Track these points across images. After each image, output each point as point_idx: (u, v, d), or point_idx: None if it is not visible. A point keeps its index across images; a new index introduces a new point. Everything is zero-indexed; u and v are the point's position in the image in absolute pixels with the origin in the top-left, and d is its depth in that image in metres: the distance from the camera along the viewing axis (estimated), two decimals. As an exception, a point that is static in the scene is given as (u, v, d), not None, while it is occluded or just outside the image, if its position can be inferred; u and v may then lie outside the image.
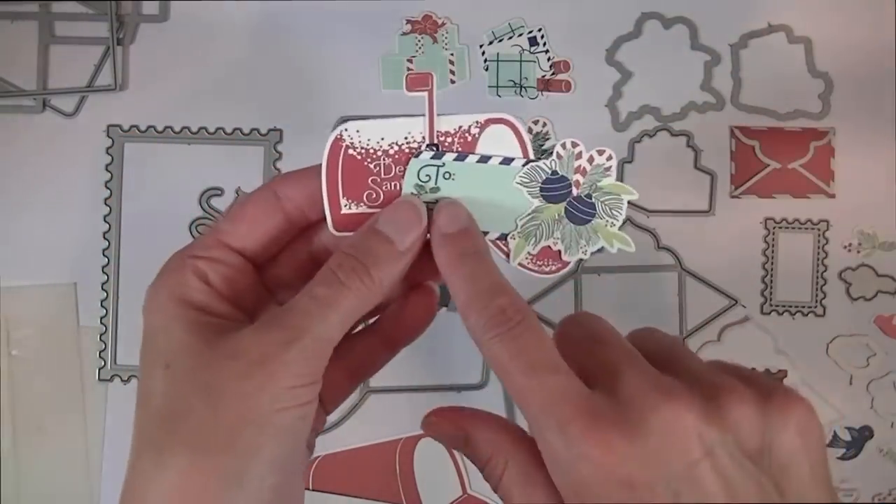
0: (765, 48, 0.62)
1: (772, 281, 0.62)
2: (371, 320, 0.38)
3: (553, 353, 0.29)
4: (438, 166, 0.33)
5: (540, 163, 0.34)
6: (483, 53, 0.62)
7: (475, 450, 0.32)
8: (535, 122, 0.61)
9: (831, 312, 0.62)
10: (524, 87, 0.62)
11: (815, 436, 0.28)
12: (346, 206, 0.34)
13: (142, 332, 0.32)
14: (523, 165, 0.34)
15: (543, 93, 0.62)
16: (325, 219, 0.34)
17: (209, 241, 0.33)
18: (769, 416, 0.28)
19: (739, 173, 0.62)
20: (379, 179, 0.34)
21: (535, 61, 0.62)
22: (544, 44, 0.62)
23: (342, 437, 0.61)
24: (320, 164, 0.34)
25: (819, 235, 0.62)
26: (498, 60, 0.62)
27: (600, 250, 0.34)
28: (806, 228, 0.62)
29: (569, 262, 0.34)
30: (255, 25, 0.61)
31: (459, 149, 0.34)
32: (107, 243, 0.60)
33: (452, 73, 0.61)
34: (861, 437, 0.62)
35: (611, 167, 0.34)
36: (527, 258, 0.34)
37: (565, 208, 0.34)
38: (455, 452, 0.61)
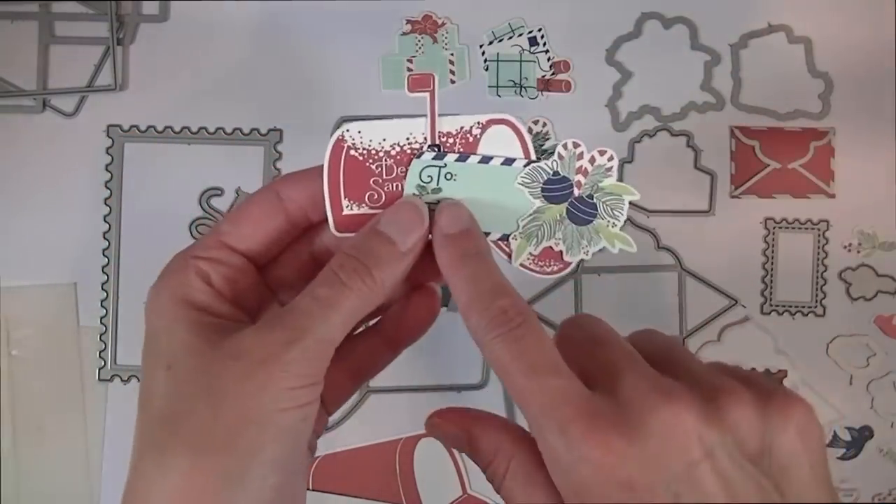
0: (765, 48, 0.62)
1: (772, 281, 0.62)
2: (373, 321, 0.38)
3: (554, 355, 0.29)
4: (440, 167, 0.34)
5: (541, 163, 0.34)
6: (483, 53, 0.62)
7: (478, 450, 0.32)
8: (535, 122, 0.61)
9: (831, 312, 0.62)
10: (524, 87, 0.62)
11: (815, 437, 0.29)
12: (347, 206, 0.34)
13: (142, 332, 0.32)
14: (525, 166, 0.34)
15: (543, 93, 0.62)
16: (326, 220, 0.34)
17: (211, 242, 0.33)
18: (769, 418, 0.28)
19: (739, 173, 0.62)
20: (381, 180, 0.34)
21: (535, 61, 0.62)
22: (544, 44, 0.62)
23: (342, 437, 0.61)
24: (322, 165, 0.34)
25: (819, 235, 0.62)
26: (498, 60, 0.62)
27: (602, 251, 0.34)
28: (806, 228, 0.62)
29: (570, 263, 0.34)
30: (255, 25, 0.61)
31: (461, 149, 0.34)
32: (107, 243, 0.60)
33: (452, 73, 0.61)
34: (861, 437, 0.62)
35: (612, 168, 0.34)
36: (528, 259, 0.34)
37: (567, 209, 0.34)
38: (455, 452, 0.61)
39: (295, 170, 0.35)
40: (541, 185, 0.34)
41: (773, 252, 0.62)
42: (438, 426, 0.34)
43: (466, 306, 0.31)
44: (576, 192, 0.34)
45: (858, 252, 0.62)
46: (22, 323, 0.60)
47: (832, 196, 0.62)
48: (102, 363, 0.60)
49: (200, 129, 0.61)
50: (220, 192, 0.61)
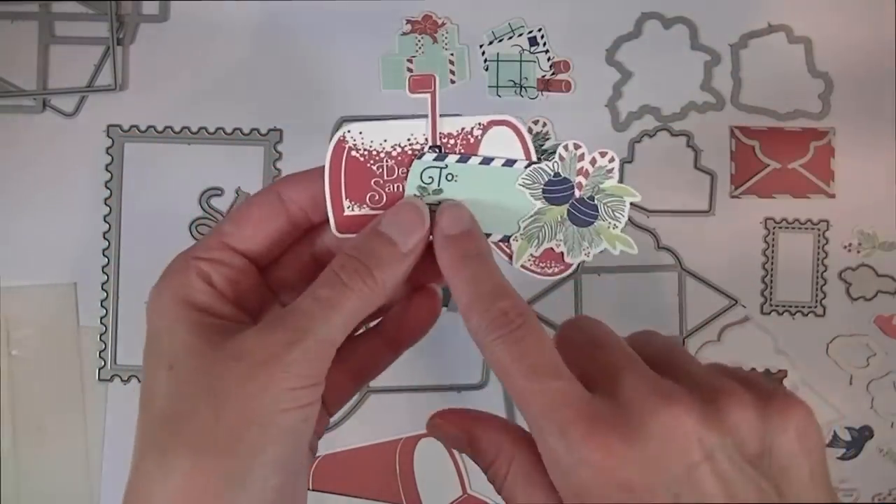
0: (765, 48, 0.62)
1: (772, 281, 0.62)
2: (374, 322, 0.38)
3: (554, 357, 0.29)
4: (441, 168, 0.34)
5: (542, 165, 0.34)
6: (483, 53, 0.62)
7: (479, 451, 0.32)
8: (535, 122, 0.61)
9: (831, 312, 0.62)
10: (524, 87, 0.62)
11: (815, 439, 0.29)
12: (348, 207, 0.34)
13: (143, 332, 0.32)
14: (526, 167, 0.34)
15: (543, 93, 0.62)
16: (327, 220, 0.34)
17: (212, 243, 0.33)
18: (769, 420, 0.28)
19: (739, 173, 0.62)
20: (382, 181, 0.34)
21: (535, 61, 0.62)
22: (544, 44, 0.62)
23: (342, 437, 0.61)
24: (323, 166, 0.34)
25: (819, 235, 0.62)
26: (498, 60, 0.62)
27: (602, 252, 0.34)
28: (806, 228, 0.62)
29: (571, 264, 0.34)
30: (255, 25, 0.61)
31: (462, 150, 0.34)
32: (107, 243, 0.60)
33: (452, 73, 0.61)
34: (861, 437, 0.62)
35: (613, 169, 0.34)
36: (529, 260, 0.34)
37: (568, 210, 0.34)
38: (455, 452, 0.61)
39: (295, 170, 0.35)
40: (542, 186, 0.34)
41: (773, 252, 0.62)
42: (440, 427, 0.34)
43: (467, 307, 0.31)
44: (577, 193, 0.34)
45: (858, 252, 0.62)
46: (22, 323, 0.60)
47: (832, 196, 0.62)
48: (102, 363, 0.60)
49: (200, 129, 0.61)
50: (220, 192, 0.61)
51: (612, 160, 0.34)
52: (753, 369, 0.62)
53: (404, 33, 0.61)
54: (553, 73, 0.62)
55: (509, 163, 0.34)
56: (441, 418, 0.34)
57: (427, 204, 0.33)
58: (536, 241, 0.34)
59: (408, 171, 0.34)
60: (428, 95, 0.33)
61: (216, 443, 0.29)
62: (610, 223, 0.34)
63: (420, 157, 0.34)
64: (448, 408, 0.34)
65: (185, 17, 0.61)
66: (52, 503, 0.60)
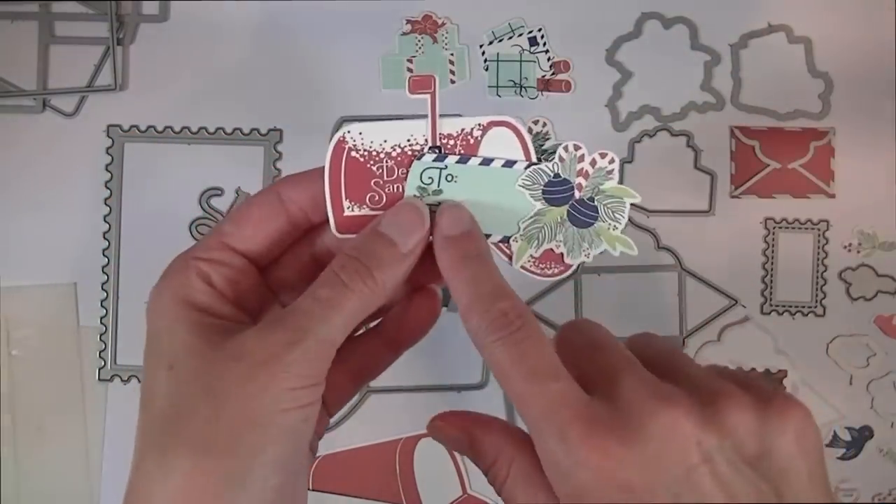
0: (765, 48, 0.62)
1: (772, 281, 0.62)
2: (374, 322, 0.38)
3: (554, 359, 0.30)
4: (441, 169, 0.34)
5: (542, 166, 0.34)
6: (483, 53, 0.62)
7: (480, 453, 0.32)
8: (536, 122, 0.61)
9: (831, 312, 0.62)
10: (524, 87, 0.62)
11: (813, 441, 0.29)
12: (348, 207, 0.34)
13: (142, 332, 0.32)
14: (526, 168, 0.34)
15: (543, 93, 0.62)
16: (327, 221, 0.34)
17: (212, 243, 0.33)
18: (767, 422, 0.28)
19: (739, 173, 0.62)
20: (381, 181, 0.34)
21: (535, 61, 0.62)
22: (544, 44, 0.62)
23: (342, 437, 0.61)
24: (323, 167, 0.34)
25: (819, 235, 0.62)
26: (498, 60, 0.62)
27: (602, 253, 0.34)
28: (806, 228, 0.62)
29: (571, 265, 0.34)
30: (255, 25, 0.61)
31: (462, 151, 0.34)
32: (107, 243, 0.60)
33: (452, 73, 0.61)
34: (861, 437, 0.62)
35: (613, 170, 0.34)
36: (529, 261, 0.34)
37: (568, 211, 0.34)
38: (455, 452, 0.61)
39: (295, 170, 0.35)
40: (541, 187, 0.34)
41: (773, 252, 0.62)
42: (441, 429, 0.34)
43: (467, 308, 0.31)
44: (576, 194, 0.34)
45: (858, 252, 0.62)
46: (22, 323, 0.60)
47: (832, 196, 0.62)
48: (102, 363, 0.60)
49: (200, 129, 0.61)
50: (220, 192, 0.61)
51: (612, 161, 0.34)
52: (753, 369, 0.62)
53: (404, 33, 0.61)
54: (553, 73, 0.62)
55: (509, 164, 0.34)
56: (442, 420, 0.34)
57: (427, 204, 0.33)
58: (536, 241, 0.34)
59: (407, 171, 0.34)
60: (428, 96, 0.33)
61: (216, 443, 0.29)
62: (610, 224, 0.34)
63: (420, 158, 0.34)
64: (449, 410, 0.34)
65: (185, 17, 0.61)
66: (52, 503, 0.60)
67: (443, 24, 0.61)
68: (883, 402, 0.62)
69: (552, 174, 0.34)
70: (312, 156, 0.35)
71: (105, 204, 0.60)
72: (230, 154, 0.61)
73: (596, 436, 0.27)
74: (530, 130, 0.61)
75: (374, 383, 0.60)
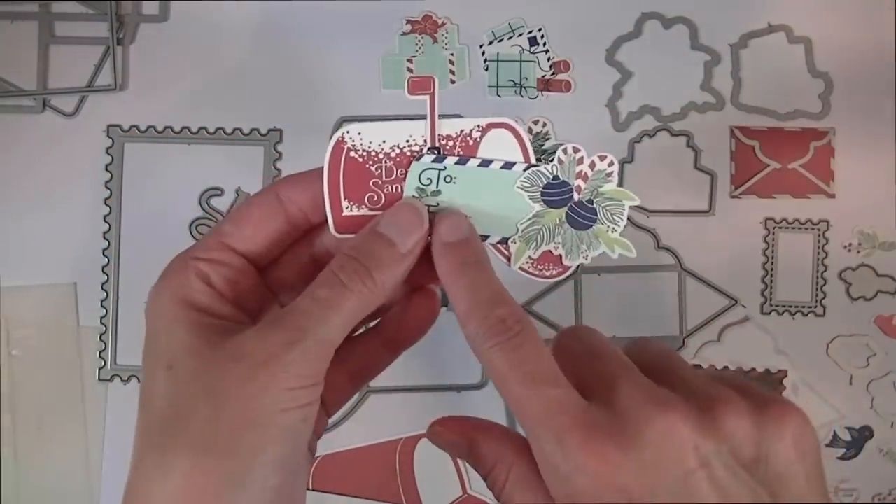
0: (765, 48, 0.62)
1: (772, 281, 0.62)
2: (373, 323, 0.38)
3: (551, 365, 0.30)
4: (440, 170, 0.34)
5: (541, 167, 0.34)
6: (483, 53, 0.62)
7: (479, 458, 0.32)
8: (535, 122, 0.61)
9: (831, 312, 0.62)
10: (524, 87, 0.62)
11: (811, 445, 0.29)
12: (347, 207, 0.34)
13: (142, 332, 0.32)
14: (524, 170, 0.34)
15: (543, 93, 0.62)
16: (326, 221, 0.34)
17: (212, 243, 0.33)
18: (764, 427, 0.28)
19: (739, 173, 0.62)
20: (380, 182, 0.34)
21: (535, 61, 0.62)
22: (544, 44, 0.62)
23: (342, 437, 0.61)
24: (322, 167, 0.34)
25: (819, 235, 0.62)
26: (498, 60, 0.62)
27: (601, 255, 0.34)
28: (806, 228, 0.62)
29: (570, 267, 0.34)
30: (255, 25, 0.61)
31: (461, 152, 0.34)
32: (107, 243, 0.60)
33: (452, 73, 0.61)
34: (861, 437, 0.62)
35: (612, 173, 0.34)
36: (528, 262, 0.34)
37: (566, 213, 0.34)
38: (454, 455, 0.61)
39: (295, 170, 0.35)
40: (540, 189, 0.34)
41: (773, 252, 0.62)
42: (440, 434, 0.34)
43: (465, 315, 0.31)
44: (575, 196, 0.34)
45: (858, 252, 0.62)
46: (22, 323, 0.60)
47: (832, 196, 0.62)
48: (102, 363, 0.60)
49: (200, 129, 0.61)
50: (220, 192, 0.61)
51: (611, 164, 0.34)
52: (753, 369, 0.62)
53: (404, 33, 0.61)
54: (553, 73, 0.62)
55: (508, 165, 0.34)
56: (441, 426, 0.34)
57: (425, 205, 0.33)
58: (535, 243, 0.34)
59: (406, 172, 0.34)
60: (427, 97, 0.33)
61: (216, 443, 0.29)
62: (609, 227, 0.34)
63: (419, 159, 0.34)
64: (448, 415, 0.34)
65: (185, 17, 0.61)
66: (51, 503, 0.60)
67: (443, 24, 0.61)
68: (883, 402, 0.62)
69: (551, 176, 0.34)
70: (312, 156, 0.35)
71: (105, 204, 0.60)
72: (230, 154, 0.61)
73: (594, 441, 0.27)
74: (530, 130, 0.61)
75: (373, 383, 0.60)
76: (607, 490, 0.27)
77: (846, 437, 0.62)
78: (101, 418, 0.60)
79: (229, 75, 0.61)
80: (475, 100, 0.61)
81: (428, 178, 0.34)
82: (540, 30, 0.62)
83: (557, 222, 0.34)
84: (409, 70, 0.61)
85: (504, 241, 0.34)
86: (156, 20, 0.61)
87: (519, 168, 0.34)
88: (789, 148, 0.62)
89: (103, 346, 0.60)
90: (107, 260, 0.60)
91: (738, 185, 0.62)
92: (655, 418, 0.27)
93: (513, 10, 0.62)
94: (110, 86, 0.60)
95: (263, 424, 0.29)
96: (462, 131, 0.34)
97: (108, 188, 0.60)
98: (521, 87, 0.62)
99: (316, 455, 0.60)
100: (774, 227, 0.62)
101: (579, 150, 0.34)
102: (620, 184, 0.34)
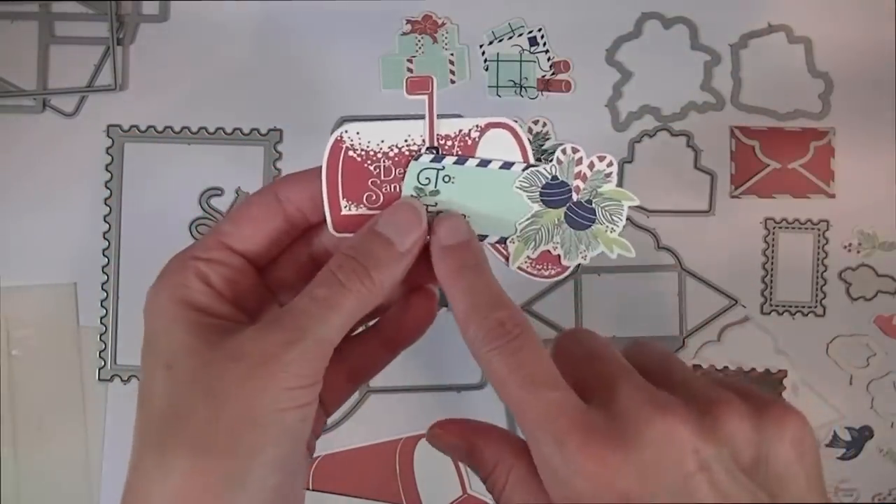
0: (765, 48, 0.62)
1: (772, 281, 0.62)
2: (371, 322, 0.38)
3: (551, 368, 0.30)
4: (438, 169, 0.34)
5: (540, 168, 0.34)
6: (483, 53, 0.62)
7: (479, 461, 0.32)
8: (535, 122, 0.61)
9: (831, 312, 0.62)
10: (524, 87, 0.62)
11: (810, 448, 0.29)
12: (345, 207, 0.34)
13: (142, 332, 0.32)
14: (523, 170, 0.34)
15: (543, 93, 0.62)
16: (325, 220, 0.34)
17: (210, 243, 0.33)
18: (764, 429, 0.28)
19: (739, 173, 0.62)
20: (379, 181, 0.34)
21: (535, 61, 0.62)
22: (544, 44, 0.62)
23: (342, 437, 0.61)
24: (321, 167, 0.34)
25: (819, 235, 0.62)
26: (498, 60, 0.62)
27: (600, 255, 0.34)
28: (806, 228, 0.62)
29: (568, 267, 0.34)
30: (256, 25, 0.61)
31: (459, 152, 0.34)
32: (107, 243, 0.60)
33: (452, 73, 0.61)
34: (861, 437, 0.62)
35: (611, 173, 0.34)
36: (526, 262, 0.34)
37: (565, 213, 0.34)
38: (454, 456, 0.61)
39: (295, 170, 0.35)
40: (539, 189, 0.34)
41: (773, 252, 0.62)
42: (440, 437, 0.34)
43: (464, 318, 0.31)
44: (574, 196, 0.34)
45: (858, 252, 0.62)
46: (22, 323, 0.60)
47: (832, 196, 0.62)
48: (102, 363, 0.60)
49: (200, 129, 0.61)
50: (220, 192, 0.61)
51: (610, 164, 0.34)
52: (753, 369, 0.62)
53: (404, 33, 0.61)
54: (553, 73, 0.62)
55: (507, 165, 0.34)
56: (441, 428, 0.34)
57: (424, 205, 0.33)
58: (533, 243, 0.34)
59: (405, 171, 0.34)
60: (425, 97, 0.33)
61: (216, 443, 0.29)
62: (607, 227, 0.34)
63: (417, 158, 0.34)
64: (448, 418, 0.34)
65: (185, 17, 0.61)
66: (51, 503, 0.60)
67: (443, 24, 0.61)
68: (883, 402, 0.62)
69: (549, 176, 0.34)
70: (312, 156, 0.35)
71: (105, 204, 0.60)
72: (230, 154, 0.61)
73: (593, 444, 0.27)
74: (530, 130, 0.61)
75: (373, 383, 0.61)
76: (606, 493, 0.27)
77: (846, 437, 0.62)
78: (100, 418, 0.60)
79: (229, 75, 0.61)
80: (475, 100, 0.61)
81: (426, 178, 0.34)
82: (540, 30, 0.62)
83: (556, 222, 0.34)
84: (409, 70, 0.61)
85: (502, 240, 0.34)
86: (156, 20, 0.61)
87: (517, 168, 0.34)
88: (789, 148, 0.62)
89: (103, 346, 0.60)
90: (107, 260, 0.60)
91: (738, 185, 0.62)
92: (655, 421, 0.27)
93: (513, 10, 0.62)
94: (110, 86, 0.60)
95: (263, 424, 0.29)
96: (461, 131, 0.34)
97: (108, 188, 0.60)
98: (520, 87, 0.61)
99: (316, 455, 0.60)
100: (774, 227, 0.62)
101: (578, 151, 0.34)
102: (620, 184, 0.34)
